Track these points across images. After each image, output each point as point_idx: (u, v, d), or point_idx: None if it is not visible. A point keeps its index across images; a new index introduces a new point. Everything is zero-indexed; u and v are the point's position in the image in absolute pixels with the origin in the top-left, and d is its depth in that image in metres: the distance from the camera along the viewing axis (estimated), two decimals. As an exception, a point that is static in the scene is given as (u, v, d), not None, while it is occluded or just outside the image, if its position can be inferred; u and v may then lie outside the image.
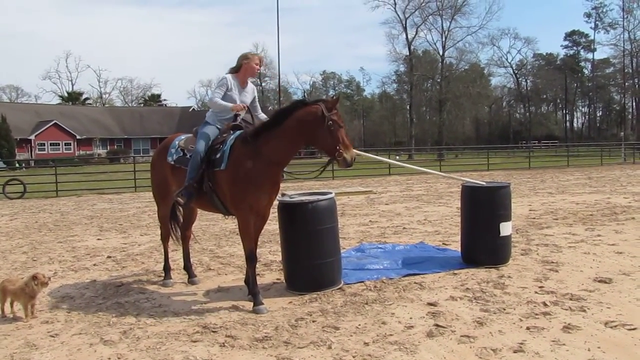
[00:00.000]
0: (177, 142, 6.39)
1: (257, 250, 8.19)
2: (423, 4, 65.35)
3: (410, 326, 4.90)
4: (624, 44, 76.41)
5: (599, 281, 6.14)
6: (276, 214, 6.27)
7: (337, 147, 5.40)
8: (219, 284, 6.64)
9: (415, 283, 6.30)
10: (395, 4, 66.07)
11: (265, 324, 5.10)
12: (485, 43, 77.72)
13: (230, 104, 6.04)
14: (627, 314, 5.04)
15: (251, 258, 5.78)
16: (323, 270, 6.04)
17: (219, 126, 6.12)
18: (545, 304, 5.38)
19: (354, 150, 5.59)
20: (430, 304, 5.49)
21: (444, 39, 66.92)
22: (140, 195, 20.27)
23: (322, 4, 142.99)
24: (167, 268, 6.94)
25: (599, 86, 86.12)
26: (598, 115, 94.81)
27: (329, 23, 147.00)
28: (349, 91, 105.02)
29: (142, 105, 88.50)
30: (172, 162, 6.29)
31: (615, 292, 5.74)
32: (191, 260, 7.05)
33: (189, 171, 5.85)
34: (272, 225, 9.31)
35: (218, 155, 5.77)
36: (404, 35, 67.62)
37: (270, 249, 8.59)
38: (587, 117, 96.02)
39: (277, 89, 42.01)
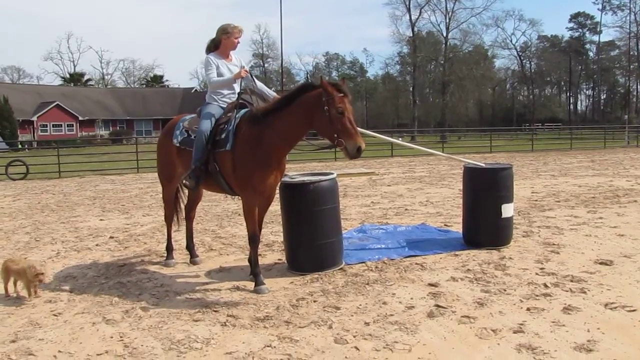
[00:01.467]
0: (181, 124, 6.26)
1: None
2: (424, -17, 64.71)
3: (411, 306, 4.92)
4: (629, 26, 75.87)
5: (600, 263, 6.15)
6: (278, 195, 6.26)
7: (336, 136, 5.06)
8: (221, 264, 6.67)
9: (416, 264, 6.32)
10: (398, -16, 65.48)
11: (267, 304, 5.13)
12: (489, 25, 77.35)
13: (230, 75, 5.93)
14: (627, 296, 5.06)
15: (254, 239, 5.71)
16: (324, 250, 6.05)
17: (222, 105, 6.01)
18: (545, 286, 5.40)
19: (360, 140, 5.07)
20: (431, 285, 5.51)
21: (447, 20, 66.46)
22: (142, 176, 20.29)
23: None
24: (169, 248, 6.89)
25: (604, 69, 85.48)
26: (602, 98, 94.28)
27: (332, 4, 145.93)
28: (352, 73, 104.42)
29: (144, 86, 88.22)
30: (177, 144, 6.17)
31: (615, 274, 5.75)
32: (194, 240, 7.04)
33: (195, 153, 5.72)
34: (274, 206, 9.32)
35: (223, 136, 5.65)
36: (408, 17, 67.15)
37: (272, 230, 8.61)
38: (591, 100, 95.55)
39: (280, 70, 41.82)
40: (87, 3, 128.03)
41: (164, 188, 6.87)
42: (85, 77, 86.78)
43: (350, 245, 7.07)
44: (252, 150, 5.42)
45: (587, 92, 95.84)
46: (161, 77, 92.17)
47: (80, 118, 62.42)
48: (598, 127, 50.46)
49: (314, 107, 5.18)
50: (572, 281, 5.53)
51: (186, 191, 6.94)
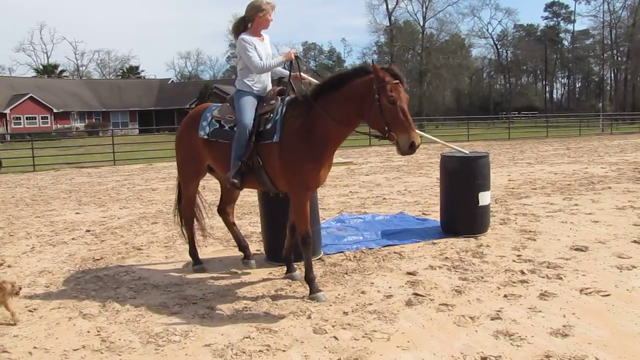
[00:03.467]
0: (208, 114, 5.61)
1: (236, 222, 8.20)
2: (404, -27, 64.81)
3: (389, 295, 4.94)
4: (603, 16, 76.72)
5: (576, 249, 6.23)
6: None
7: (386, 129, 4.57)
8: (199, 256, 6.61)
9: (394, 253, 6.34)
10: (376, -28, 65.47)
11: (245, 295, 5.13)
12: (466, 14, 78.15)
13: (280, 57, 5.44)
14: (602, 281, 5.14)
15: (306, 240, 5.09)
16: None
17: (257, 93, 5.43)
18: (522, 272, 5.45)
19: (414, 134, 4.56)
20: (409, 274, 5.54)
21: (424, 10, 66.85)
22: (119, 168, 20.06)
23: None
24: (194, 253, 6.22)
25: (578, 57, 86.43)
26: (577, 86, 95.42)
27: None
28: (330, 62, 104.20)
29: (120, 77, 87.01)
30: (206, 136, 5.52)
31: (590, 260, 5.83)
32: (242, 237, 6.40)
33: (236, 148, 5.16)
34: (252, 197, 9.30)
35: (269, 126, 5.12)
36: (385, 6, 67.36)
37: (250, 221, 8.58)
38: (566, 88, 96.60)
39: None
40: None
41: (186, 186, 6.07)
42: (60, 69, 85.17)
43: (328, 235, 7.08)
44: (304, 140, 4.90)
45: (562, 80, 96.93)
46: (137, 68, 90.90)
47: (55, 110, 61.39)
48: (573, 115, 50.98)
49: (363, 95, 4.66)
50: (548, 267, 5.60)
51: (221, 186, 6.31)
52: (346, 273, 5.66)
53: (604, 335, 3.99)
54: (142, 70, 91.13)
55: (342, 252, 6.46)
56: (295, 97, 5.21)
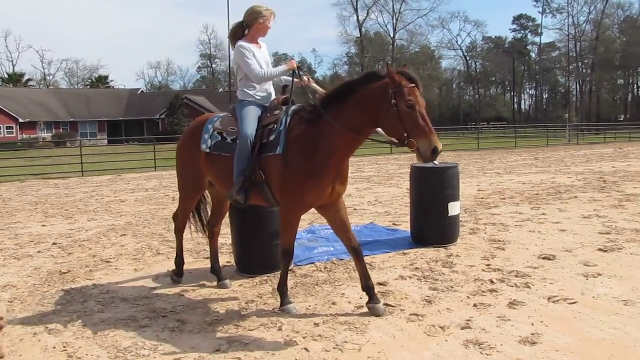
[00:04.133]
0: (210, 126, 5.29)
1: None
2: (375, -14, 65.52)
3: (360, 306, 4.94)
4: (568, 29, 78.47)
5: (544, 258, 6.33)
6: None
7: (405, 135, 4.30)
8: (169, 268, 6.53)
9: (365, 263, 6.33)
10: (346, -15, 66.07)
11: (216, 308, 5.08)
12: (435, 26, 79.19)
13: (283, 66, 5.13)
14: (569, 289, 5.22)
15: (288, 254, 4.95)
16: (273, 252, 6.00)
17: (260, 102, 5.15)
18: (492, 282, 5.51)
19: (436, 139, 4.31)
20: (380, 284, 5.53)
21: (395, 22, 67.75)
22: (87, 179, 19.77)
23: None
24: (179, 263, 5.98)
25: (545, 69, 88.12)
26: (544, 97, 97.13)
27: (280, 4, 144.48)
28: (300, 73, 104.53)
29: (88, 87, 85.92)
30: (208, 150, 5.21)
31: (558, 269, 5.92)
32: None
33: (238, 161, 4.87)
34: (223, 208, 9.22)
35: (272, 138, 4.81)
36: (355, 18, 67.98)
37: (221, 233, 8.49)
38: (534, 99, 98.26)
39: (228, 72, 41.52)
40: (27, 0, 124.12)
41: (186, 201, 5.78)
42: (26, 78, 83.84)
43: (299, 246, 7.05)
44: (310, 152, 4.60)
45: (530, 91, 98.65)
46: (106, 77, 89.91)
47: (21, 120, 60.30)
48: (541, 126, 51.81)
49: (379, 101, 4.37)
50: (517, 276, 5.66)
51: (209, 201, 6.13)
52: (317, 284, 5.66)
53: (571, 343, 4.05)
54: (112, 80, 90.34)
55: (313, 263, 6.45)
56: (302, 106, 4.89)
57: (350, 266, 6.27)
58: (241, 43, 5.10)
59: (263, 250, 6.01)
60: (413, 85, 4.35)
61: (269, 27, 5.24)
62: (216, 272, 5.87)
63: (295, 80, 5.13)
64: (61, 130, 64.46)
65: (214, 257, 5.95)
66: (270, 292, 5.47)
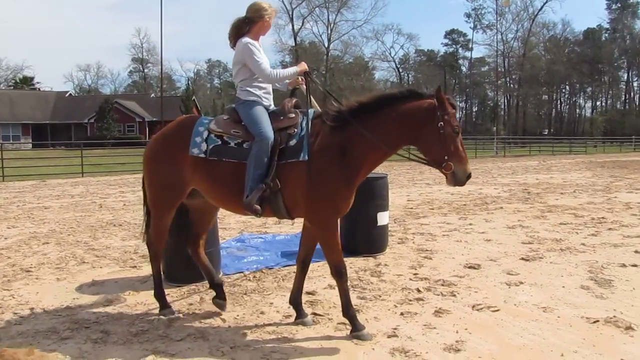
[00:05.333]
0: (201, 128, 4.75)
1: (134, 241, 7.94)
2: (310, -4, 66.13)
3: (288, 315, 4.93)
4: (497, 45, 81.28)
5: (469, 267, 6.48)
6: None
7: (446, 158, 4.31)
8: (94, 277, 6.34)
9: (294, 272, 6.25)
10: (282, -9, 66.42)
11: (142, 318, 4.95)
12: (369, 37, 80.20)
13: (295, 68, 4.86)
14: (492, 297, 5.37)
15: (341, 271, 4.52)
16: (201, 261, 5.92)
17: (265, 104, 4.84)
18: (418, 290, 5.60)
19: (469, 166, 4.42)
20: (308, 293, 5.54)
21: (329, 32, 68.43)
22: (8, 185, 18.94)
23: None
24: (161, 294, 5.17)
25: (475, 83, 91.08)
26: (474, 110, 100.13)
27: (213, 10, 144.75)
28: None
29: (12, 88, 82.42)
30: (202, 154, 4.66)
31: (482, 277, 6.09)
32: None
33: (256, 166, 4.43)
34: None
35: (292, 143, 4.49)
36: (290, 26, 68.20)
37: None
38: (464, 112, 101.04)
39: (160, 76, 40.86)
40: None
41: (160, 215, 5.00)
42: (-58, 77, 79.97)
43: (228, 255, 6.99)
44: (338, 160, 4.38)
45: (460, 104, 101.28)
46: (32, 79, 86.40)
47: (-63, 122, 57.48)
48: (470, 138, 53.24)
49: (424, 120, 4.30)
50: (443, 285, 5.78)
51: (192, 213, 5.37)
52: (245, 293, 5.60)
53: (493, 349, 4.16)
54: (38, 82, 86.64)
55: (241, 272, 6.39)
56: (325, 111, 4.64)
57: (279, 275, 6.25)
58: (248, 39, 4.74)
59: (190, 259, 5.89)
60: (454, 110, 4.39)
61: (270, 25, 4.96)
62: (216, 287, 5.23)
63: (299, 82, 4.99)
64: (-18, 132, 61.60)
65: (208, 271, 5.30)
66: (197, 301, 5.38)
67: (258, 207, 4.43)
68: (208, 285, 5.35)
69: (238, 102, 4.81)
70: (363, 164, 4.47)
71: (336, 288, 4.81)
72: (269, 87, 4.96)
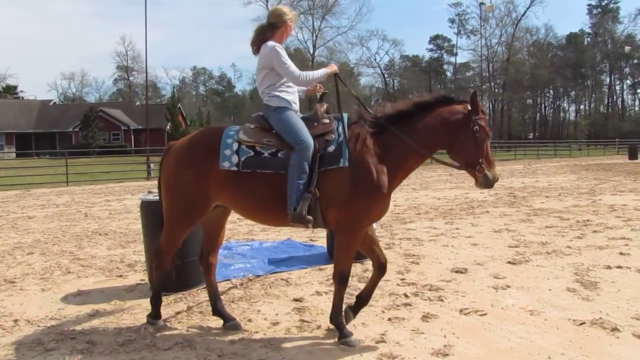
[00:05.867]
0: (230, 140, 4.51)
1: (120, 250, 7.89)
2: (294, 3, 66.64)
3: (276, 322, 4.91)
4: (481, 50, 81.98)
5: (456, 272, 6.49)
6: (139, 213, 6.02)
7: (480, 161, 4.38)
8: (79, 287, 6.27)
9: (281, 279, 6.32)
10: (267, 1, 66.66)
11: (128, 327, 4.90)
12: (354, 43, 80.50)
13: (325, 70, 4.75)
14: (479, 301, 5.39)
15: (345, 278, 4.53)
16: (188, 269, 5.88)
17: (295, 110, 4.73)
18: (406, 295, 5.60)
19: (497, 170, 4.54)
20: (296, 300, 5.53)
21: (314, 38, 68.61)
22: (-7, 195, 18.81)
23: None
24: (157, 303, 5.02)
25: (460, 88, 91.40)
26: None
27: (199, 18, 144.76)
28: (220, 88, 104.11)
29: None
30: (235, 168, 4.42)
31: (469, 281, 6.10)
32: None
33: (298, 175, 4.27)
34: (137, 224, 9.00)
35: (331, 149, 4.39)
36: (276, 33, 68.30)
37: (135, 249, 8.27)
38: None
39: (145, 84, 40.69)
40: None
41: (177, 232, 4.77)
42: None
43: (215, 263, 6.95)
44: (377, 165, 4.36)
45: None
46: (15, 87, 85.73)
47: None
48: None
49: (459, 125, 4.40)
50: (430, 290, 5.78)
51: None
52: (232, 301, 5.57)
53: (481, 353, 4.17)
54: (21, 91, 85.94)
55: (228, 279, 6.35)
56: (361, 116, 4.61)
57: (266, 282, 6.23)
58: (274, 43, 4.61)
59: (177, 268, 5.85)
60: (485, 116, 4.50)
61: (293, 29, 4.89)
62: (220, 312, 4.97)
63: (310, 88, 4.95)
64: (-36, 142, 61.01)
65: (214, 294, 5.04)
66: (184, 310, 5.34)
67: (310, 217, 4.30)
68: (209, 304, 5.13)
69: (267, 109, 4.66)
70: (401, 169, 4.50)
71: (324, 295, 4.82)
72: (297, 92, 4.87)
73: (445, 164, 4.74)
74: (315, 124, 4.55)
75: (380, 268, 4.79)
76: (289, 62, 4.56)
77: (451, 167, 4.74)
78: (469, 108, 4.44)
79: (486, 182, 4.43)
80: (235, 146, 4.47)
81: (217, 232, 5.03)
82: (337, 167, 4.32)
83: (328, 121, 4.56)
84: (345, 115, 4.58)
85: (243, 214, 4.77)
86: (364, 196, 4.29)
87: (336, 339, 4.46)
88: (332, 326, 4.61)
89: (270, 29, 4.72)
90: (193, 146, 4.67)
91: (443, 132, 4.43)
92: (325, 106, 4.70)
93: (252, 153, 4.44)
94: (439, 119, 4.44)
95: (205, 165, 4.48)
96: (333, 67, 4.79)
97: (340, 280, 4.49)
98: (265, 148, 4.46)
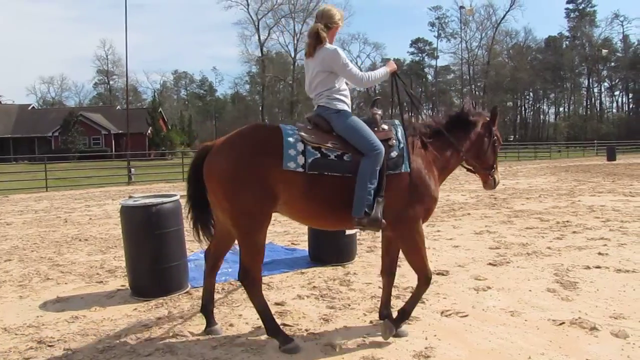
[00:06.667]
0: (292, 139, 4.32)
1: (101, 256, 7.82)
2: (275, 6, 66.91)
3: (257, 327, 4.88)
4: (461, 53, 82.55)
5: (437, 274, 6.50)
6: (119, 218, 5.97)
7: (495, 165, 5.10)
8: (58, 294, 6.20)
9: (263, 283, 6.24)
10: (248, 4, 66.77)
11: (108, 334, 4.85)
12: (335, 47, 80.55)
13: (385, 68, 4.78)
14: (460, 303, 5.42)
15: (429, 280, 4.67)
16: (168, 274, 5.85)
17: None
18: (387, 298, 5.60)
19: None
20: (277, 304, 5.51)
21: (295, 42, 68.72)
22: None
23: (172, 2, 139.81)
24: (277, 330, 4.53)
25: (441, 91, 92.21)
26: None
27: (180, 22, 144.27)
28: (201, 92, 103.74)
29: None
30: (301, 169, 4.23)
31: (451, 283, 6.13)
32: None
33: (370, 180, 4.21)
34: (117, 229, 8.92)
35: (394, 154, 4.40)
36: (257, 37, 68.34)
37: (115, 255, 8.20)
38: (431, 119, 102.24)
39: (125, 88, 40.42)
40: None
41: (251, 236, 4.35)
42: None
43: (196, 268, 6.90)
44: (431, 170, 4.57)
45: (427, 112, 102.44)
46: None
47: None
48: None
49: (486, 136, 4.98)
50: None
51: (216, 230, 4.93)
52: (214, 306, 5.53)
53: (462, 355, 4.19)
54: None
55: (210, 284, 6.32)
56: (419, 122, 4.85)
57: (248, 286, 6.19)
58: (334, 46, 4.58)
59: (157, 273, 5.83)
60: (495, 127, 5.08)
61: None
62: (206, 314, 4.93)
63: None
64: (-62, 147, 60.02)
65: (209, 295, 4.98)
66: (165, 315, 5.31)
67: (385, 221, 4.30)
68: (200, 308, 5.05)
69: (329, 111, 4.55)
70: (446, 173, 4.92)
71: (305, 299, 4.81)
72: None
73: (463, 167, 5.18)
74: (376, 129, 4.51)
75: (390, 276, 5.06)
76: (351, 64, 4.57)
77: (467, 171, 5.22)
78: (487, 119, 5.01)
79: (493, 185, 5.12)
80: (300, 146, 4.29)
81: (231, 236, 4.71)
82: (400, 172, 4.40)
83: (387, 127, 4.56)
84: (397, 122, 4.68)
85: (299, 217, 4.66)
86: (421, 198, 4.45)
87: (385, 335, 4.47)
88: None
89: (324, 31, 4.64)
90: (253, 144, 4.34)
91: (479, 139, 4.96)
92: (379, 111, 4.68)
93: (319, 155, 4.30)
94: (473, 128, 4.95)
95: (268, 166, 4.20)
96: (393, 65, 4.81)
97: (427, 282, 4.65)
98: (331, 150, 4.34)
